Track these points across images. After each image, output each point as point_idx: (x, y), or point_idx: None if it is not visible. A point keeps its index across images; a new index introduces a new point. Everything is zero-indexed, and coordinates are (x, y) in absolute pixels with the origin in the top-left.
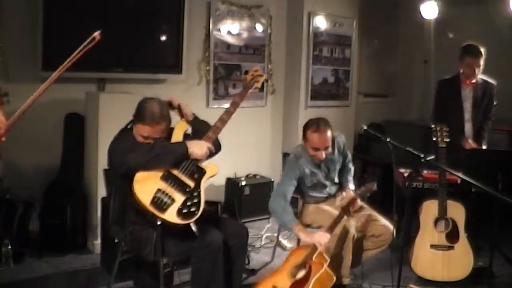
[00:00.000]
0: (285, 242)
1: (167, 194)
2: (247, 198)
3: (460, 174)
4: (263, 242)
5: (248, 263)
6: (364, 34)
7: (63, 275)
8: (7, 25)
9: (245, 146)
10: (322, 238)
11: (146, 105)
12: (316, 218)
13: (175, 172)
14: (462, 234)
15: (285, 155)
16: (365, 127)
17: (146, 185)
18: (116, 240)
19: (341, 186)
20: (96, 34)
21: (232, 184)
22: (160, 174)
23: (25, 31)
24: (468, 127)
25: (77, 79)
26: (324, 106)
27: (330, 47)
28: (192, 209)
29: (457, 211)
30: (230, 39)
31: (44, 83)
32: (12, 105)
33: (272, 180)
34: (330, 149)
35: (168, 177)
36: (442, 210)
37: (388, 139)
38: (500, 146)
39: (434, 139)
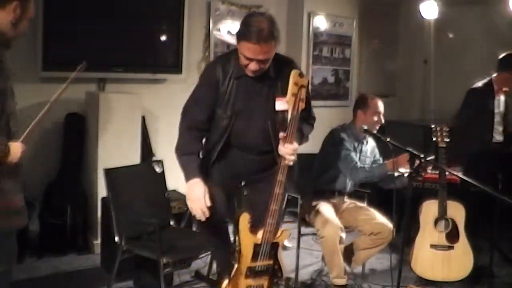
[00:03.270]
0: (285, 242)
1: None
2: (247, 198)
3: (460, 174)
4: None
5: None
6: (364, 34)
7: (63, 275)
8: None
9: None
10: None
11: (252, 19)
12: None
13: (256, 264)
14: (462, 234)
15: None
16: (365, 127)
17: None
18: (116, 240)
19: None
20: None
21: None
22: (243, 273)
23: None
24: (497, 136)
25: (77, 79)
26: (324, 106)
27: (330, 47)
28: (278, 281)
29: (457, 211)
30: (230, 39)
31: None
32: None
33: None
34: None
35: (251, 273)
36: (442, 210)
37: (388, 139)
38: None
39: (434, 139)
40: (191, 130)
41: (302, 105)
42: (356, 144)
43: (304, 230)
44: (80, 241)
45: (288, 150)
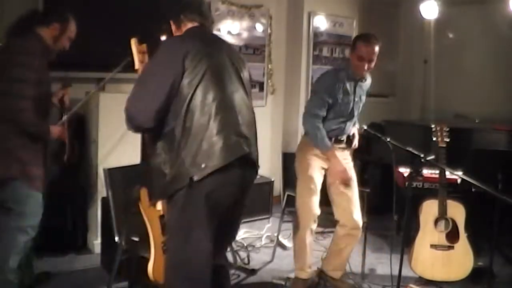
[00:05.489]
0: (285, 242)
1: None
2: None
3: (460, 174)
4: (263, 242)
5: (248, 263)
6: None
7: (63, 275)
8: (7, 25)
9: None
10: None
11: None
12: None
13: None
14: (462, 234)
15: (285, 155)
16: (365, 127)
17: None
18: (116, 240)
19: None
20: None
21: None
22: (161, 249)
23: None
24: None
25: (77, 79)
26: None
27: (330, 47)
28: None
29: (457, 211)
30: (230, 39)
31: None
32: None
33: (272, 180)
34: (372, 65)
35: None
36: (442, 210)
37: (388, 139)
38: (500, 146)
39: (434, 139)
40: None
41: None
42: (349, 85)
43: None
44: (80, 241)
45: None
